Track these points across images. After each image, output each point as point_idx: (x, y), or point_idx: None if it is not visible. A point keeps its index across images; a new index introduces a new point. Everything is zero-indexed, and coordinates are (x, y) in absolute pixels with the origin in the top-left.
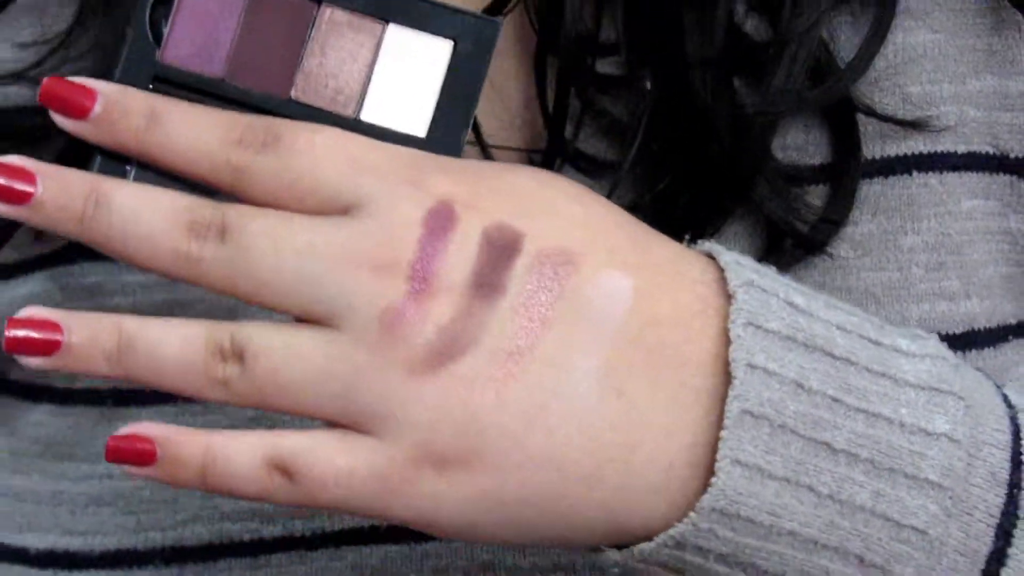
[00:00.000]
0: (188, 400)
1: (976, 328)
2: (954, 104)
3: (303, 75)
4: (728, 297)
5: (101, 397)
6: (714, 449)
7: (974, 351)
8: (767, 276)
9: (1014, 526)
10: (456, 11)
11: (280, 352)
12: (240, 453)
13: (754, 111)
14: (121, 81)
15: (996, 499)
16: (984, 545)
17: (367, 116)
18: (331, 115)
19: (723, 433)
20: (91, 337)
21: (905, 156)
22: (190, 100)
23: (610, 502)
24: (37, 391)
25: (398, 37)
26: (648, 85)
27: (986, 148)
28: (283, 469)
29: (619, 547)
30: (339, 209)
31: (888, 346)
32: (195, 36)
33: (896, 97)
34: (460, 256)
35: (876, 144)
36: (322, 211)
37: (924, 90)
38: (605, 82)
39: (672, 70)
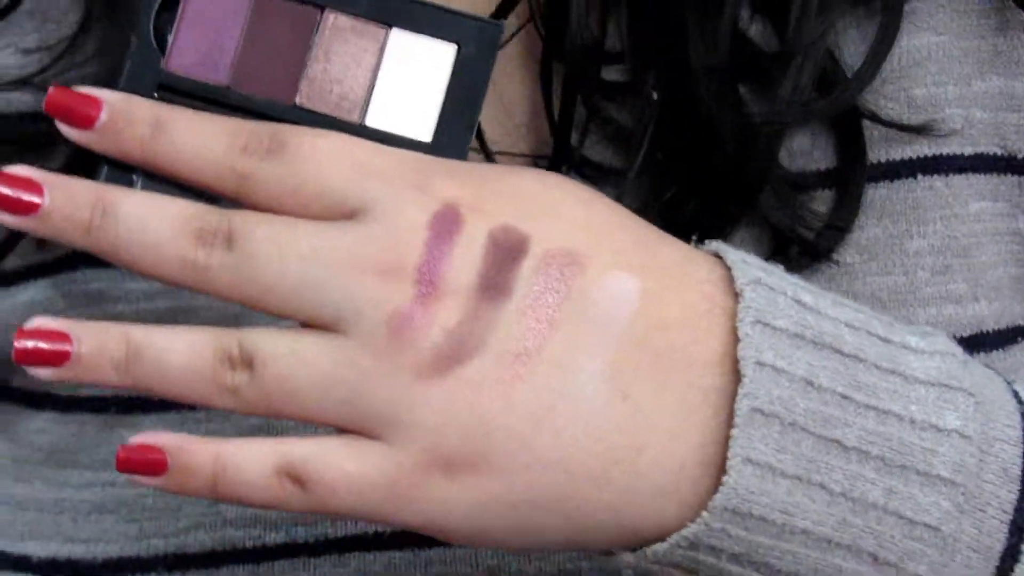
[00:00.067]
0: (191, 407)
1: (984, 330)
2: (960, 106)
3: (307, 81)
4: (735, 296)
5: (104, 404)
6: (724, 448)
7: (983, 353)
8: (774, 274)
9: None
10: (459, 15)
11: (287, 359)
12: (250, 461)
13: (761, 121)
14: (126, 90)
15: (1009, 495)
16: (997, 541)
17: (372, 121)
18: (336, 121)
19: (733, 432)
20: (99, 347)
21: (911, 159)
22: (195, 108)
23: (618, 503)
24: (39, 398)
25: (402, 41)
26: (654, 94)
27: (993, 149)
28: (294, 476)
29: (632, 549)
30: (345, 214)
31: (897, 343)
32: (199, 44)
33: (901, 101)
34: (466, 259)
35: (881, 148)
36: (328, 216)
37: (929, 92)
38: (611, 89)
39: (677, 78)
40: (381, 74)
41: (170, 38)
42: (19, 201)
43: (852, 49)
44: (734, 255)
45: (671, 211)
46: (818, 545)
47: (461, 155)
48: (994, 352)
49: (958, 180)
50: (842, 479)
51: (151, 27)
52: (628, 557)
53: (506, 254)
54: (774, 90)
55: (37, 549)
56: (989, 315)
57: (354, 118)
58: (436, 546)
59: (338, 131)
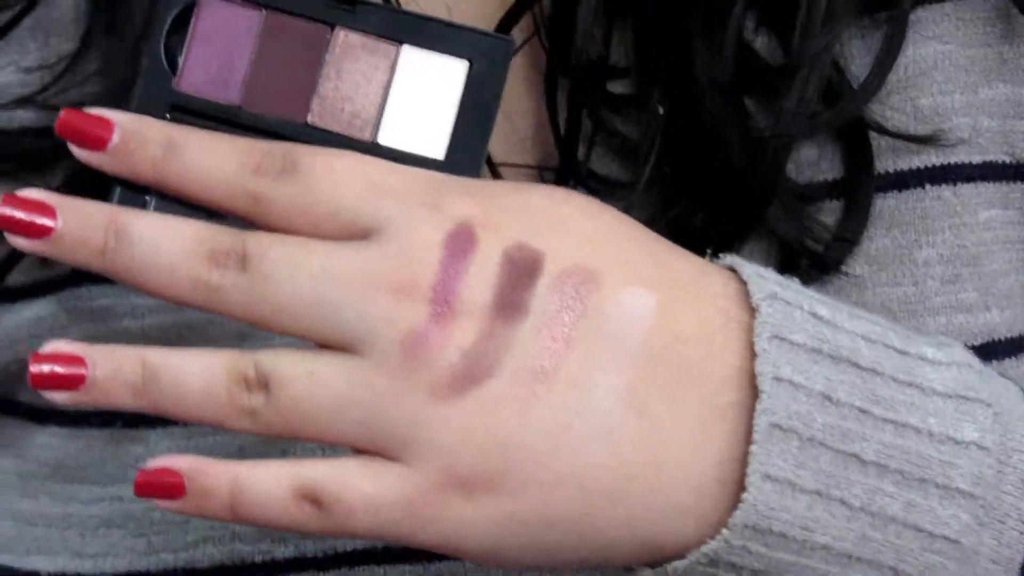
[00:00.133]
0: None
1: (996, 339)
2: (967, 115)
3: (319, 100)
4: (751, 311)
5: (110, 419)
6: (743, 464)
7: (995, 362)
8: (790, 288)
9: None
10: (470, 31)
11: (304, 380)
12: (267, 483)
13: (767, 134)
14: (138, 111)
15: None
16: (1018, 553)
17: (384, 139)
18: (348, 139)
19: (752, 448)
20: (115, 370)
21: (918, 169)
22: (207, 128)
23: (635, 521)
24: (45, 414)
25: (413, 58)
26: (660, 107)
27: (1002, 157)
28: (311, 498)
29: (652, 565)
30: (359, 233)
31: (914, 355)
32: (210, 64)
33: (907, 111)
34: (481, 278)
35: (889, 158)
36: (342, 236)
37: (935, 102)
38: (616, 102)
39: (683, 91)
40: (393, 91)
41: (181, 58)
42: (32, 224)
43: (857, 60)
44: (749, 269)
45: (679, 224)
46: (838, 560)
47: (474, 172)
48: (1006, 360)
49: (967, 189)
50: (861, 493)
51: (162, 47)
52: (648, 573)
53: (521, 272)
54: (780, 102)
55: (45, 564)
56: (1000, 323)
57: (366, 136)
58: (445, 559)
59: (350, 149)
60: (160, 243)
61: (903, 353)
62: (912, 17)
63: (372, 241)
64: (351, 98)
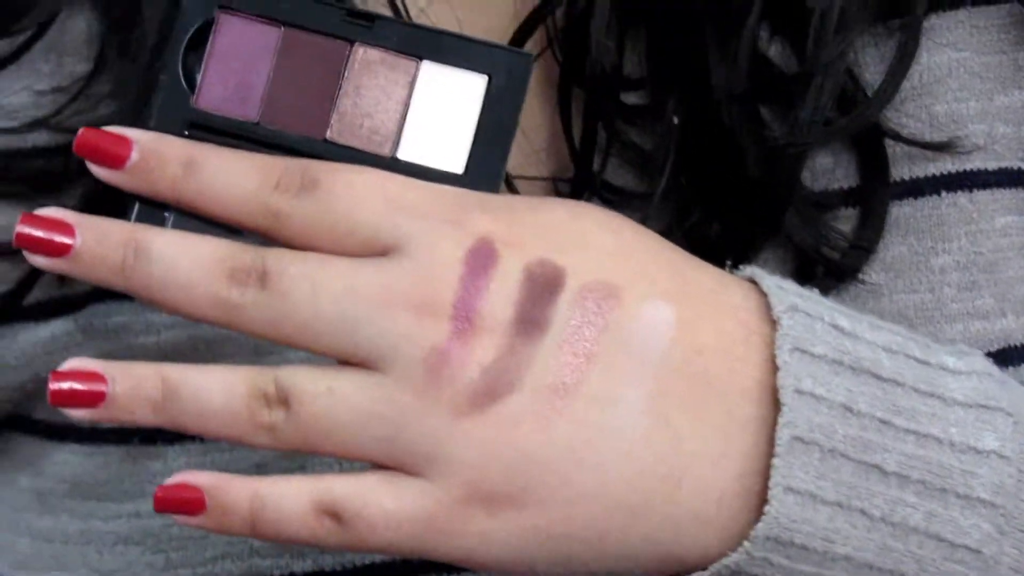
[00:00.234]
0: None
1: (1013, 344)
2: (982, 121)
3: (338, 116)
4: (772, 323)
5: (127, 435)
6: (764, 477)
7: (1012, 368)
8: (811, 300)
9: None
10: (489, 45)
11: (325, 397)
12: (288, 499)
13: (783, 142)
14: (156, 128)
15: None
16: None
17: (404, 155)
18: (367, 155)
19: (775, 461)
20: (135, 387)
21: (934, 176)
22: (225, 145)
23: (657, 534)
24: (62, 431)
25: (432, 74)
26: (675, 118)
27: (1018, 164)
28: (332, 513)
29: None
30: (379, 250)
31: (935, 365)
32: (228, 81)
33: (922, 118)
34: (501, 294)
35: (904, 165)
36: (362, 253)
37: (950, 109)
38: (631, 113)
39: (698, 101)
40: (412, 107)
41: (199, 76)
42: (51, 243)
43: (872, 68)
44: (770, 281)
45: (695, 234)
46: (859, 571)
47: (493, 187)
48: (1023, 366)
49: (983, 195)
50: (882, 504)
51: (180, 65)
52: None
53: (542, 288)
54: (795, 111)
55: None
56: (1017, 329)
57: (385, 152)
58: (464, 572)
59: (370, 165)
60: (179, 260)
61: (924, 363)
62: (926, 24)
63: (392, 258)
64: (370, 114)
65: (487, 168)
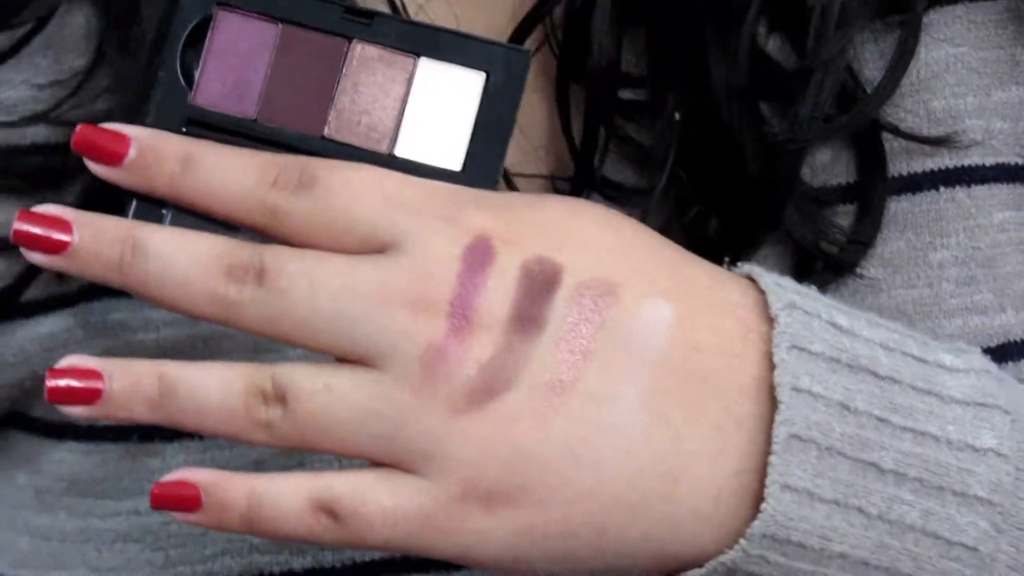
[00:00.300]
0: None
1: (1012, 340)
2: (979, 117)
3: (336, 113)
4: (770, 320)
5: (126, 433)
6: (762, 475)
7: (1011, 363)
8: (808, 297)
9: None
10: (487, 42)
11: (322, 394)
12: (285, 496)
13: (783, 138)
14: (154, 125)
15: None
16: None
17: (401, 152)
18: (365, 152)
19: (772, 459)
20: (132, 384)
21: (932, 172)
22: (223, 142)
23: (655, 531)
24: (60, 429)
25: (430, 71)
26: (676, 114)
27: (1015, 159)
28: (329, 510)
29: (669, 574)
30: (376, 247)
31: (932, 362)
32: (226, 77)
33: (920, 113)
34: (499, 291)
35: (902, 161)
36: (359, 250)
37: (948, 104)
38: (631, 109)
39: (698, 98)
40: (410, 104)
41: (197, 72)
42: (48, 240)
43: (871, 64)
44: (768, 278)
45: (694, 230)
46: (856, 569)
47: (491, 184)
48: (1022, 362)
49: (980, 191)
50: (879, 502)
51: (178, 62)
52: None
53: (540, 286)
54: (795, 107)
55: None
56: (1016, 324)
57: (383, 149)
58: (462, 570)
59: (367, 162)
60: (177, 257)
61: (921, 361)
62: (924, 20)
63: (390, 255)
64: (368, 111)
65: (485, 165)
